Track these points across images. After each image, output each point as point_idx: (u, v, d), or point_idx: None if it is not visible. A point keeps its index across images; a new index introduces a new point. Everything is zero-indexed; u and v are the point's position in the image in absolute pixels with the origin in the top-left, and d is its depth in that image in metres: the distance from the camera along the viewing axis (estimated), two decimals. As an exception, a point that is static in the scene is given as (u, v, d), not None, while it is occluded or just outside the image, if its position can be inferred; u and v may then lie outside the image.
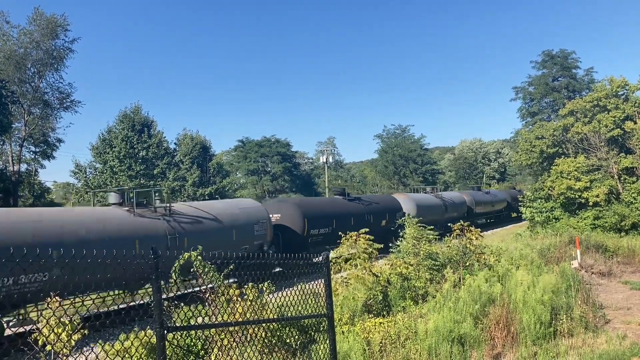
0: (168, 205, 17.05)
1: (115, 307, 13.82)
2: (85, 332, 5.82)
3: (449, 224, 17.52)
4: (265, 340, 7.34)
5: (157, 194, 17.98)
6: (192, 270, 7.48)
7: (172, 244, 15.66)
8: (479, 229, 16.77)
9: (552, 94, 51.49)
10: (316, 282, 6.68)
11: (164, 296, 4.57)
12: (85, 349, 5.73)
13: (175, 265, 7.32)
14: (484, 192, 49.70)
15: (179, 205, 18.28)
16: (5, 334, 11.79)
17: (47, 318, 5.60)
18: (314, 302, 6.70)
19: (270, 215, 21.95)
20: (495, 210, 49.65)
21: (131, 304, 14.64)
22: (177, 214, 16.93)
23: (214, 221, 18.09)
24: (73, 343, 5.52)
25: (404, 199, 33.38)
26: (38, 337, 5.58)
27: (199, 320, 6.39)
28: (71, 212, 16.02)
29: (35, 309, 10.62)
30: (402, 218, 16.42)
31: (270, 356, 7.38)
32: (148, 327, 6.75)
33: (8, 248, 10.22)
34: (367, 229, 13.45)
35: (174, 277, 7.15)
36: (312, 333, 8.36)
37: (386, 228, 28.28)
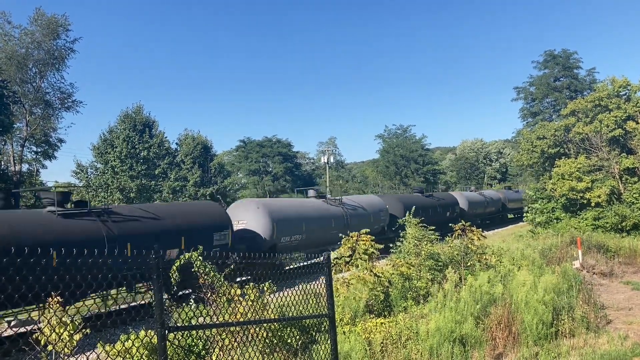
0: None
1: (116, 307, 13.81)
2: (87, 331, 5.82)
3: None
4: (267, 341, 7.34)
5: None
6: (192, 270, 7.48)
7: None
8: (480, 229, 16.77)
9: (554, 94, 51.45)
10: (317, 282, 6.67)
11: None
12: (88, 353, 5.73)
13: (175, 265, 7.32)
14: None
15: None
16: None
17: (48, 318, 5.61)
18: (315, 302, 6.70)
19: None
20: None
21: (132, 304, 14.64)
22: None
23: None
24: (74, 343, 5.52)
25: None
26: (39, 337, 5.59)
27: (200, 320, 6.38)
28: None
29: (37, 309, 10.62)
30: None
31: (271, 356, 7.37)
32: (143, 327, 6.76)
33: None
34: (367, 229, 13.41)
35: (174, 278, 7.15)
36: (314, 333, 8.36)
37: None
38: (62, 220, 13.14)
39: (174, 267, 7.25)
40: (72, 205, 15.04)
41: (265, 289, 8.11)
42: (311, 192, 27.83)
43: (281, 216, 21.17)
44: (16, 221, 12.45)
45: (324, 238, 23.69)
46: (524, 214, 34.33)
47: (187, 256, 7.33)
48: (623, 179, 28.99)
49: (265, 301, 7.88)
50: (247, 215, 20.66)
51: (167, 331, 4.25)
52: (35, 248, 8.67)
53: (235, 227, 19.43)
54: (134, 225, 14.80)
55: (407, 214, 16.15)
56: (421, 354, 8.70)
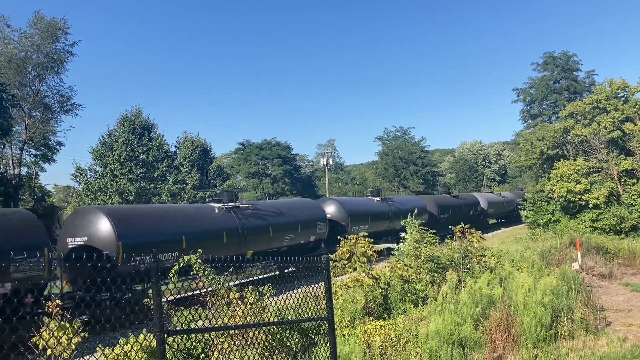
0: None
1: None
2: (85, 335, 5.82)
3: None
4: (266, 344, 7.33)
5: None
6: (191, 273, 7.48)
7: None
8: (479, 231, 16.80)
9: (553, 95, 51.59)
10: (316, 285, 6.67)
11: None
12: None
13: (175, 268, 7.32)
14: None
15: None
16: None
17: (47, 321, 5.61)
18: (314, 305, 6.69)
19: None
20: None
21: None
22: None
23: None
24: (73, 347, 5.52)
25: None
26: (38, 341, 5.58)
27: (199, 323, 6.39)
28: None
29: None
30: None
31: (270, 359, 7.37)
32: (143, 330, 6.76)
33: None
34: (365, 233, 13.40)
35: (173, 280, 7.15)
36: (313, 336, 8.35)
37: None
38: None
39: (173, 271, 7.25)
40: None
41: (265, 291, 8.12)
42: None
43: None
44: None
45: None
46: (524, 216, 34.43)
47: (186, 259, 7.33)
48: (622, 180, 29.03)
49: (264, 304, 7.88)
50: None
51: (166, 334, 4.25)
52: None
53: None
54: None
55: (410, 215, 16.21)
56: (420, 356, 8.70)
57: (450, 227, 16.94)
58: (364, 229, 24.55)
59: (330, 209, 25.90)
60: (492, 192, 53.98)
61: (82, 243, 14.64)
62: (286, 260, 6.05)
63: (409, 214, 16.30)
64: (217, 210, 18.92)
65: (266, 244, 19.97)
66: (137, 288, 14.98)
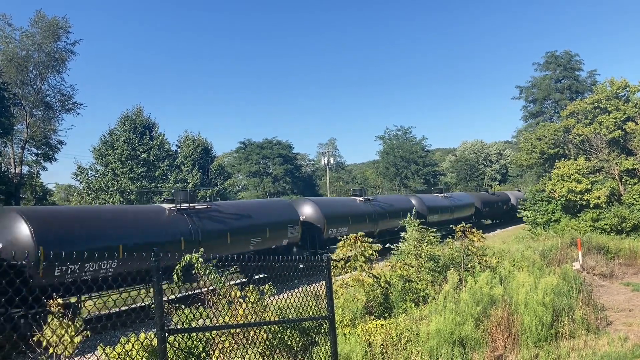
0: None
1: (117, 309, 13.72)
2: (88, 333, 5.83)
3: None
4: (267, 342, 7.34)
5: None
6: (192, 272, 7.48)
7: None
8: (481, 230, 16.79)
9: (555, 94, 51.57)
10: (317, 284, 6.68)
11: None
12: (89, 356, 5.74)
13: (177, 267, 7.32)
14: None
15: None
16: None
17: (49, 320, 5.62)
18: (315, 304, 6.70)
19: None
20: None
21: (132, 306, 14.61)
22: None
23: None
24: (75, 345, 5.53)
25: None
26: (40, 339, 5.60)
27: (200, 322, 6.40)
28: None
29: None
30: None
31: (271, 358, 7.38)
32: (143, 329, 6.77)
33: None
34: (362, 233, 13.36)
35: (176, 279, 7.16)
36: (314, 335, 8.36)
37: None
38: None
39: (177, 269, 7.25)
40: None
41: (266, 290, 8.13)
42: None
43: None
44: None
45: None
46: (524, 215, 34.36)
47: (187, 258, 7.34)
48: (623, 180, 29.01)
49: (266, 303, 7.89)
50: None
51: (167, 333, 4.26)
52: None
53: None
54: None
55: (409, 216, 16.20)
56: (421, 355, 8.71)
57: (437, 228, 16.85)
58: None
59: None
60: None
61: None
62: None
63: (402, 213, 16.10)
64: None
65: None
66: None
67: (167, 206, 17.41)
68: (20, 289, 4.65)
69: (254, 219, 20.05)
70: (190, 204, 17.70)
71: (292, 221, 21.93)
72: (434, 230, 16.43)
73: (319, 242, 24.00)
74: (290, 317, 6.51)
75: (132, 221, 15.72)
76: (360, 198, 29.61)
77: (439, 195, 39.69)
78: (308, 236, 23.32)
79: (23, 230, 12.39)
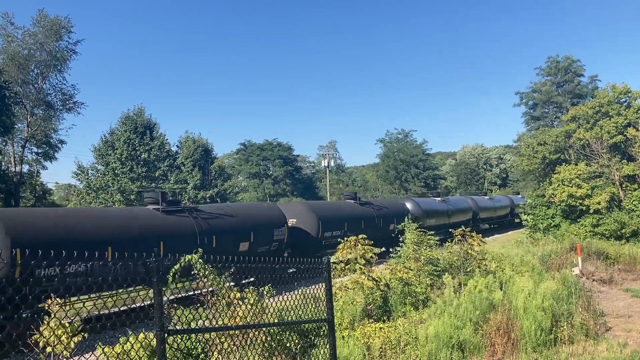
0: None
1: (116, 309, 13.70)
2: (85, 334, 5.83)
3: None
4: (266, 344, 7.34)
5: None
6: (192, 272, 7.48)
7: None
8: (480, 234, 16.77)
9: (557, 97, 51.58)
10: (316, 287, 6.68)
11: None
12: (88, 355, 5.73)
13: (175, 267, 7.32)
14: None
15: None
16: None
17: (47, 320, 5.61)
18: (314, 306, 6.70)
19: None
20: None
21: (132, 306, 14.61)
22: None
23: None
24: (73, 345, 5.52)
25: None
26: (39, 339, 5.59)
27: (200, 323, 6.39)
28: None
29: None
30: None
31: (270, 360, 7.37)
32: (142, 329, 6.76)
33: None
34: (364, 236, 13.34)
35: (173, 280, 7.15)
36: (312, 337, 8.35)
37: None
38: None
39: (172, 271, 7.25)
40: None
41: (265, 292, 8.12)
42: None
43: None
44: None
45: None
46: (523, 220, 34.33)
47: (187, 258, 7.33)
48: (623, 186, 29.00)
49: (265, 305, 7.88)
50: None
51: (166, 334, 4.26)
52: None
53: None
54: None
55: (406, 219, 16.20)
56: (420, 359, 8.70)
57: (434, 232, 16.80)
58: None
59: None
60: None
61: None
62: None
63: (396, 219, 16.01)
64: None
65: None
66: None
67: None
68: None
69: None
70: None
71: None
72: (432, 233, 16.43)
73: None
74: (289, 319, 6.50)
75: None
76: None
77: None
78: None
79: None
